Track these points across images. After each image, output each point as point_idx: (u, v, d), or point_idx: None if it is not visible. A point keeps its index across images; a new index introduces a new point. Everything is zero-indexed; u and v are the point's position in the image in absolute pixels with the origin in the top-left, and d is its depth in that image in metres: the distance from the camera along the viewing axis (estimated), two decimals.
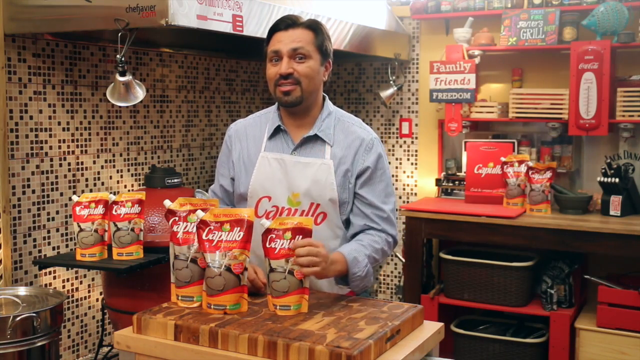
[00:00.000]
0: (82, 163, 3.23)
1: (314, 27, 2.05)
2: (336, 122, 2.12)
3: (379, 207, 2.08)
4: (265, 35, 2.10)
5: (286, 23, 2.03)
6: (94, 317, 3.33)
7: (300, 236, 1.76)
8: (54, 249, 3.11)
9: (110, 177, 3.39)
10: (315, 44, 2.03)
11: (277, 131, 2.11)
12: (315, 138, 2.07)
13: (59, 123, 3.12)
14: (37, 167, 3.01)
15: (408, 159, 4.44)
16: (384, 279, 4.58)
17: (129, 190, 3.46)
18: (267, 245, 1.76)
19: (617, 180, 3.53)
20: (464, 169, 4.02)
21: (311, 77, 2.02)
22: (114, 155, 3.40)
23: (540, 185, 3.62)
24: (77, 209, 2.61)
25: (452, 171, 4.15)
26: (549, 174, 3.62)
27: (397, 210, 2.78)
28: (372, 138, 2.11)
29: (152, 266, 2.60)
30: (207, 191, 3.76)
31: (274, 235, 1.75)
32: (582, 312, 3.61)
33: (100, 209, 2.61)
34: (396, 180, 4.46)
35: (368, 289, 2.10)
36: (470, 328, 3.75)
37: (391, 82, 4.29)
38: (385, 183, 2.11)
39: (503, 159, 3.76)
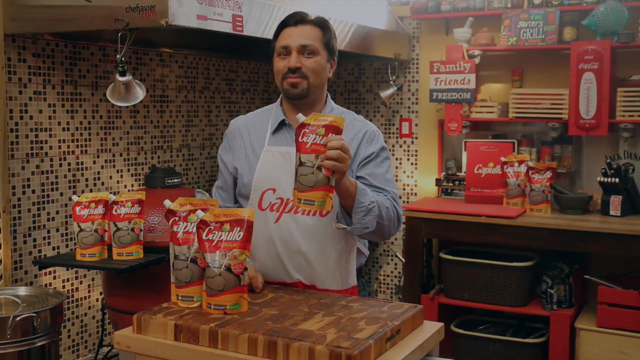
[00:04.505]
0: (82, 163, 3.23)
1: (322, 25, 2.11)
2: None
3: (377, 186, 2.07)
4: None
5: (296, 19, 2.09)
6: (94, 317, 3.33)
7: (333, 134, 1.77)
8: (54, 249, 3.11)
9: (110, 177, 3.39)
10: (323, 41, 2.09)
11: (281, 125, 2.14)
12: None
13: (59, 123, 3.11)
14: (37, 167, 3.01)
15: (408, 159, 4.44)
16: (384, 279, 4.58)
17: (129, 190, 3.46)
18: (300, 139, 1.77)
19: (617, 180, 3.53)
20: (464, 169, 4.02)
21: (318, 72, 2.07)
22: (114, 155, 3.40)
23: (540, 185, 3.62)
24: (77, 209, 2.61)
25: (452, 171, 4.15)
26: (549, 174, 3.61)
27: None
28: (375, 130, 2.15)
29: (152, 266, 2.60)
30: (207, 191, 3.76)
31: (307, 130, 1.76)
32: (582, 312, 3.61)
33: (100, 209, 2.61)
34: (396, 180, 4.46)
35: (362, 266, 2.04)
36: (470, 328, 3.75)
37: (391, 82, 4.28)
38: (384, 169, 2.12)
39: (503, 159, 3.76)
